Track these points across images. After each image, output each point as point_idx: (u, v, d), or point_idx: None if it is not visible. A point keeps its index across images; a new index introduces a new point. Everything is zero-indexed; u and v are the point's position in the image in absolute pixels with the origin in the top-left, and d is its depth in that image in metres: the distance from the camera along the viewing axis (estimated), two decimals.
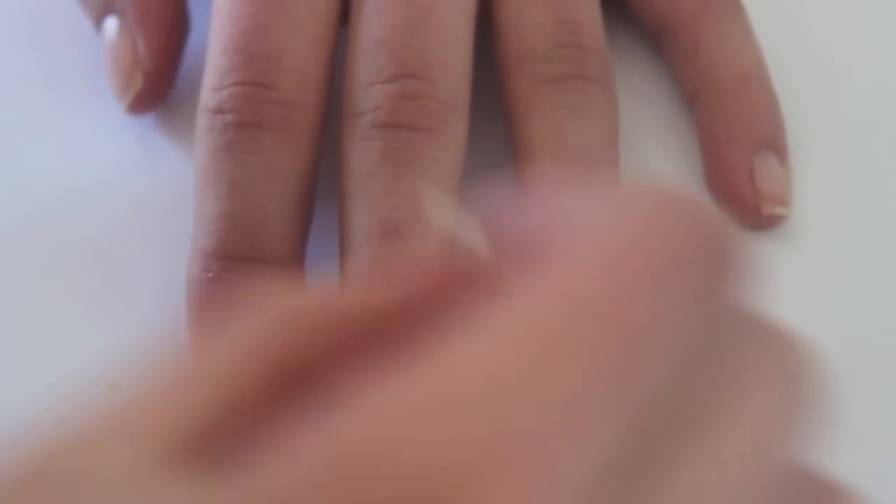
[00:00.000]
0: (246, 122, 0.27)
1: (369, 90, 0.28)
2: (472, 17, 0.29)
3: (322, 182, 0.29)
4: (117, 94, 0.32)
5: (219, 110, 0.27)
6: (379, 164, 0.27)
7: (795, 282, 0.30)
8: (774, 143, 0.31)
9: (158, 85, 0.32)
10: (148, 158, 0.32)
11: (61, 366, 0.28)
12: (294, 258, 0.28)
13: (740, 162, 0.31)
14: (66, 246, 0.31)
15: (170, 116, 0.33)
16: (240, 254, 0.27)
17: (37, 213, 0.31)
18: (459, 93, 0.28)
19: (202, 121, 0.28)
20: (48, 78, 0.34)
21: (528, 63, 0.29)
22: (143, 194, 0.32)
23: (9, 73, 0.34)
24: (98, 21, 0.32)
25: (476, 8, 0.30)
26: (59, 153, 0.33)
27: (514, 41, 0.30)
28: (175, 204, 0.30)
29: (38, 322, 0.30)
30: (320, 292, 0.16)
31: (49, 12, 0.35)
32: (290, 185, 0.27)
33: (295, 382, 0.14)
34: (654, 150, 0.33)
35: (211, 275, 0.27)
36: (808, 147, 0.32)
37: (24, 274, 0.31)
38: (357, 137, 0.27)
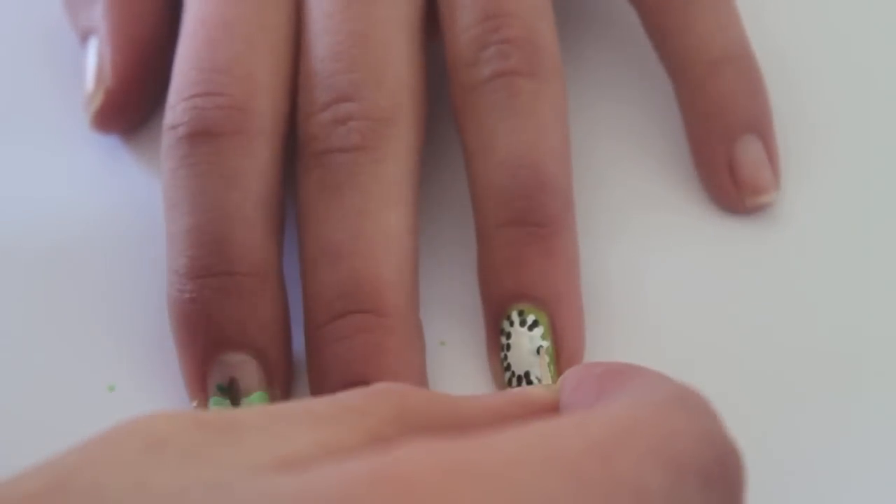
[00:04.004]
0: (197, 130, 0.28)
1: (308, 123, 0.29)
2: (415, 27, 0.30)
3: None
4: (83, 109, 0.32)
5: (174, 125, 0.28)
6: (318, 191, 0.28)
7: (783, 263, 0.30)
8: (756, 125, 0.30)
9: (121, 103, 0.32)
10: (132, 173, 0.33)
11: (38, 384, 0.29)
12: (268, 268, 0.27)
13: (718, 156, 0.30)
14: (49, 258, 0.31)
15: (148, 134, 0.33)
16: (210, 270, 0.27)
17: (32, 220, 0.32)
18: (397, 104, 0.28)
19: (163, 141, 0.28)
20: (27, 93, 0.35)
21: (458, 71, 0.29)
22: (126, 206, 0.32)
23: None
24: (83, 38, 0.33)
25: (421, 17, 0.30)
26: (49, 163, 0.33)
27: (448, 48, 0.30)
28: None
29: (27, 335, 0.30)
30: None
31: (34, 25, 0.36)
32: (250, 188, 0.27)
33: None
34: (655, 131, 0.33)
35: (188, 295, 0.27)
36: (799, 130, 0.32)
37: (10, 286, 0.31)
38: (302, 169, 0.28)
